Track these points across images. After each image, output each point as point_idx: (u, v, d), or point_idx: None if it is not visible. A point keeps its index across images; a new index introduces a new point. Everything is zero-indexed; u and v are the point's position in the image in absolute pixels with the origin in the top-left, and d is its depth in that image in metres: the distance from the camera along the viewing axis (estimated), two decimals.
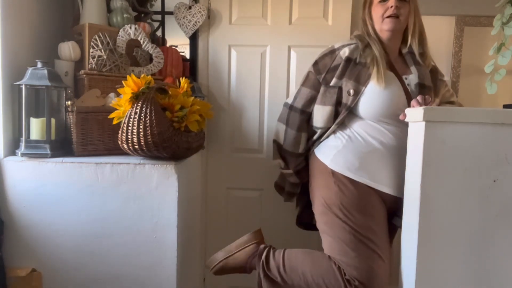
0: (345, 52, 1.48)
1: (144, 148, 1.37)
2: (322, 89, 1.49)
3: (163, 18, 2.13)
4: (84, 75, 1.60)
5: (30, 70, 1.44)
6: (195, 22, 1.99)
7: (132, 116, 1.36)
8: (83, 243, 1.44)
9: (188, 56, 2.10)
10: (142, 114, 1.35)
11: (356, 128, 1.44)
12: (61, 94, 1.52)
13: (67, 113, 1.52)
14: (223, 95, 2.10)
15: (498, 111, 1.15)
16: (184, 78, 1.57)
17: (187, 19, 1.99)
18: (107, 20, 1.78)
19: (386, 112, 1.39)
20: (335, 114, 1.46)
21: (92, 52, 1.63)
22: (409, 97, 1.40)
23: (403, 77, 1.45)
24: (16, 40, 1.51)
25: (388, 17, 1.42)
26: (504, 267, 1.17)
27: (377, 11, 1.46)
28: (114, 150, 1.55)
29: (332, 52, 1.52)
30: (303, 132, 1.53)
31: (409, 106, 1.35)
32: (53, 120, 1.47)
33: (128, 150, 1.42)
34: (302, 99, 1.53)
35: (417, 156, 1.20)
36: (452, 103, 1.66)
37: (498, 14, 1.30)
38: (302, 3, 2.03)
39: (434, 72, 1.54)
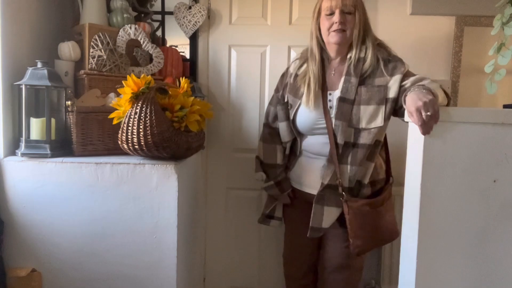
0: (291, 69, 1.60)
1: (144, 148, 1.37)
2: (278, 106, 1.61)
3: (163, 18, 2.13)
4: (84, 75, 1.60)
5: (30, 70, 1.44)
6: (195, 22, 1.99)
7: (132, 116, 1.36)
8: (83, 243, 1.44)
9: (188, 56, 2.10)
10: (142, 114, 1.35)
11: (302, 141, 1.57)
12: (61, 94, 1.52)
13: (67, 113, 1.52)
14: (223, 95, 2.10)
15: (498, 111, 1.15)
16: (184, 78, 1.57)
17: (187, 19, 1.99)
18: (107, 20, 1.78)
19: (309, 127, 1.50)
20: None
21: (92, 52, 1.63)
22: (326, 114, 1.45)
23: (328, 92, 1.48)
24: (16, 40, 1.51)
25: (334, 31, 1.42)
26: (504, 267, 1.17)
27: (324, 24, 1.46)
28: (114, 150, 1.55)
29: (287, 69, 1.64)
30: (276, 145, 1.64)
31: (327, 122, 1.44)
32: (53, 120, 1.47)
33: (128, 150, 1.42)
34: (268, 116, 1.68)
35: (417, 156, 1.20)
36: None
37: (498, 14, 1.30)
38: (302, 3, 2.03)
39: (375, 73, 1.42)
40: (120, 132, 1.40)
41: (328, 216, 1.48)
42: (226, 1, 2.04)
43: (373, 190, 1.49)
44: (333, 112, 1.44)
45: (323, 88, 1.48)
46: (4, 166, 1.43)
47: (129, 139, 1.37)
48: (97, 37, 1.63)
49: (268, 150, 1.65)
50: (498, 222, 1.15)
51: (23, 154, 1.43)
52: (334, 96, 1.46)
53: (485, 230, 1.16)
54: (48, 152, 1.44)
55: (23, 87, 1.43)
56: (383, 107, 1.38)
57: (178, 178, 1.42)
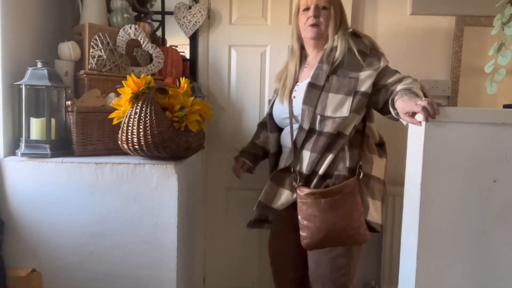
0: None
1: (144, 148, 1.37)
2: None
3: (163, 18, 2.13)
4: (84, 75, 1.60)
5: (30, 70, 1.44)
6: (195, 22, 1.99)
7: (132, 116, 1.36)
8: (83, 243, 1.44)
9: (188, 56, 2.10)
10: (142, 114, 1.35)
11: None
12: (61, 94, 1.52)
13: (67, 113, 1.52)
14: (223, 95, 2.10)
15: (498, 111, 1.15)
16: (184, 78, 1.57)
17: (187, 19, 1.99)
18: (107, 20, 1.78)
19: (280, 118, 1.58)
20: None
21: (92, 52, 1.63)
22: (290, 103, 1.51)
23: (296, 84, 1.54)
24: (16, 40, 1.51)
25: (310, 25, 1.47)
26: (504, 267, 1.17)
27: (301, 19, 1.51)
28: (114, 150, 1.55)
29: None
30: (263, 129, 1.75)
31: (289, 110, 1.51)
32: (53, 120, 1.47)
33: (128, 150, 1.42)
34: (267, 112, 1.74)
35: (417, 156, 1.20)
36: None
37: (498, 14, 1.30)
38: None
39: (347, 63, 1.42)
40: (120, 132, 1.40)
41: (280, 197, 1.45)
42: (226, 1, 2.04)
43: (328, 183, 1.42)
44: (294, 102, 1.49)
45: (295, 84, 1.56)
46: (4, 166, 1.43)
47: (129, 139, 1.37)
48: (97, 37, 1.63)
49: (255, 132, 1.79)
50: (498, 222, 1.15)
51: (23, 154, 1.43)
52: (301, 87, 1.49)
53: (485, 230, 1.16)
54: (48, 152, 1.44)
55: (23, 87, 1.43)
56: (351, 98, 1.38)
57: (178, 178, 1.42)
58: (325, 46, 1.49)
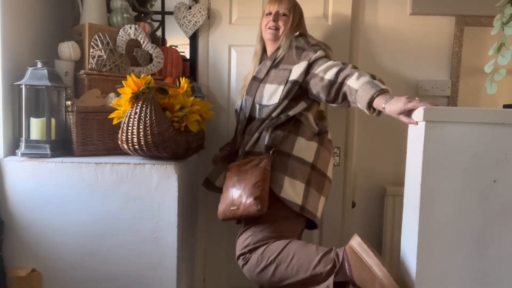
0: None
1: (144, 148, 1.37)
2: None
3: (163, 18, 2.13)
4: (84, 75, 1.60)
5: (30, 70, 1.44)
6: (195, 22, 1.99)
7: (132, 116, 1.36)
8: (83, 243, 1.44)
9: (188, 56, 2.10)
10: (142, 114, 1.35)
11: None
12: (61, 94, 1.52)
13: (67, 113, 1.52)
14: (223, 95, 2.10)
15: (498, 111, 1.15)
16: (184, 78, 1.57)
17: (187, 19, 1.99)
18: (107, 20, 1.78)
19: (236, 115, 1.70)
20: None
21: (92, 52, 1.63)
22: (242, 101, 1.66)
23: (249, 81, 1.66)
24: (16, 40, 1.51)
25: (268, 28, 1.63)
26: (504, 267, 1.17)
27: (263, 22, 1.67)
28: (114, 150, 1.55)
29: None
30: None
31: (240, 107, 1.66)
32: (53, 120, 1.47)
33: (128, 150, 1.42)
34: None
35: (417, 156, 1.20)
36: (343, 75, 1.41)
37: (498, 14, 1.30)
38: (302, 3, 2.02)
39: (286, 59, 1.58)
40: (120, 132, 1.40)
41: (222, 176, 1.64)
42: (226, 1, 2.04)
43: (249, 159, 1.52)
44: (244, 96, 1.64)
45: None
46: (4, 166, 1.43)
47: (129, 139, 1.37)
48: (97, 37, 1.63)
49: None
50: (498, 222, 1.15)
51: (23, 154, 1.43)
52: (251, 82, 1.63)
53: (485, 230, 1.16)
54: (48, 152, 1.44)
55: (23, 87, 1.43)
56: (282, 87, 1.51)
57: (178, 178, 1.42)
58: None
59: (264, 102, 1.54)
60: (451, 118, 1.13)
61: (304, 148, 1.53)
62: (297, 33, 1.62)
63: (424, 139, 1.15)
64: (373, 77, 1.35)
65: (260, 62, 1.70)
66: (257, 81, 1.60)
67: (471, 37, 1.98)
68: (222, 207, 1.50)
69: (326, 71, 1.44)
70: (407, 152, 1.29)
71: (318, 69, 1.46)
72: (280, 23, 1.62)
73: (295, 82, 1.50)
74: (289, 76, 1.52)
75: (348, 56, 2.01)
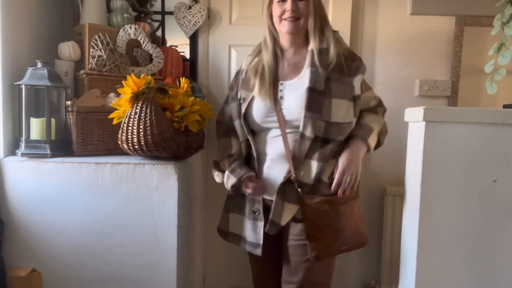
0: (243, 65, 1.50)
1: (144, 148, 1.37)
2: (232, 103, 1.47)
3: (163, 18, 2.13)
4: (84, 75, 1.60)
5: (30, 70, 1.44)
6: (195, 22, 1.99)
7: (132, 116, 1.36)
8: (83, 243, 1.44)
9: (188, 56, 2.10)
10: (142, 114, 1.35)
11: (254, 140, 1.42)
12: (61, 94, 1.52)
13: (67, 113, 1.52)
14: (223, 95, 2.09)
15: (498, 111, 1.15)
16: (184, 78, 1.57)
17: (187, 19, 1.99)
18: (107, 20, 1.78)
19: (260, 121, 1.37)
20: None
21: (92, 52, 1.63)
22: (277, 105, 1.34)
23: (280, 83, 1.37)
24: (16, 40, 1.51)
25: (286, 19, 1.33)
26: (504, 267, 1.17)
27: (275, 10, 1.35)
28: (114, 150, 1.55)
29: (241, 66, 1.54)
30: (232, 138, 1.47)
31: (277, 114, 1.34)
32: (53, 120, 1.47)
33: (128, 150, 1.42)
34: (224, 114, 1.53)
35: (417, 156, 1.20)
36: (371, 111, 1.42)
37: (498, 14, 1.30)
38: None
39: (339, 68, 1.33)
40: (120, 132, 1.40)
41: (287, 212, 1.32)
42: (226, 1, 2.04)
43: (333, 190, 1.34)
44: (284, 103, 1.34)
45: (274, 79, 1.38)
46: (4, 166, 1.43)
47: (129, 139, 1.37)
48: (97, 37, 1.63)
49: (223, 144, 1.48)
50: (498, 222, 1.15)
51: (23, 154, 1.43)
52: (286, 86, 1.36)
53: (485, 230, 1.16)
54: (48, 152, 1.44)
55: (23, 87, 1.43)
56: (352, 104, 1.32)
57: (178, 178, 1.42)
58: (311, 47, 1.35)
59: (334, 119, 1.29)
60: (451, 118, 1.13)
61: None
62: (336, 31, 1.39)
63: (424, 139, 1.16)
64: (381, 130, 1.41)
65: (275, 58, 1.41)
66: (318, 94, 1.29)
67: (471, 37, 1.98)
68: (325, 249, 1.32)
69: (366, 105, 1.40)
70: (407, 152, 1.30)
71: (365, 94, 1.38)
72: (301, 11, 1.32)
73: (358, 98, 1.33)
74: (353, 91, 1.32)
75: None
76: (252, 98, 1.39)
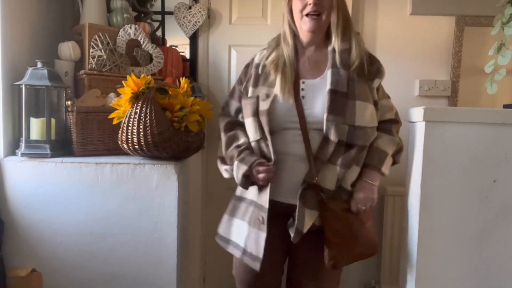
0: (257, 59, 1.41)
1: (144, 148, 1.37)
2: (246, 100, 1.36)
3: (163, 18, 2.13)
4: (84, 75, 1.60)
5: (30, 70, 1.44)
6: (195, 22, 1.99)
7: (132, 116, 1.36)
8: (83, 243, 1.44)
9: (188, 56, 2.10)
10: (142, 114, 1.35)
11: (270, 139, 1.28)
12: (61, 94, 1.52)
13: (67, 113, 1.52)
14: (223, 95, 2.09)
15: (498, 111, 1.15)
16: (184, 78, 1.57)
17: (187, 19, 1.99)
18: (107, 20, 1.78)
19: (282, 120, 1.27)
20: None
21: (92, 52, 1.63)
22: (299, 105, 1.26)
23: (301, 81, 1.29)
24: (16, 40, 1.51)
25: (307, 15, 1.25)
26: (504, 266, 1.17)
27: (296, 5, 1.27)
28: (114, 150, 1.55)
29: (251, 60, 1.44)
30: (238, 130, 1.38)
31: (299, 114, 1.25)
32: (53, 120, 1.47)
33: (128, 150, 1.42)
34: (229, 108, 1.46)
35: (417, 156, 1.20)
36: (386, 122, 1.33)
37: (498, 14, 1.30)
38: None
39: (361, 70, 1.27)
40: (120, 132, 1.40)
41: (308, 219, 1.23)
42: (226, 1, 2.04)
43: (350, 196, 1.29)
44: (306, 104, 1.26)
45: (295, 77, 1.31)
46: (4, 166, 1.43)
47: (129, 139, 1.37)
48: (97, 37, 1.63)
49: (229, 137, 1.39)
50: (498, 222, 1.15)
51: (23, 154, 1.43)
52: (308, 86, 1.28)
53: (485, 230, 1.16)
54: (48, 152, 1.44)
55: (23, 87, 1.43)
56: (374, 107, 1.27)
57: (178, 178, 1.42)
58: (333, 45, 1.28)
59: (359, 123, 1.21)
60: (451, 118, 1.13)
61: None
62: (358, 32, 1.34)
63: (424, 139, 1.16)
64: (396, 149, 1.32)
65: (295, 54, 1.33)
66: (341, 96, 1.22)
67: (471, 37, 1.98)
68: (343, 257, 1.27)
69: (386, 112, 1.33)
70: (408, 152, 1.30)
71: (381, 102, 1.31)
72: (323, 6, 1.24)
73: (377, 103, 1.28)
74: (374, 95, 1.28)
75: None
76: (275, 96, 1.28)
